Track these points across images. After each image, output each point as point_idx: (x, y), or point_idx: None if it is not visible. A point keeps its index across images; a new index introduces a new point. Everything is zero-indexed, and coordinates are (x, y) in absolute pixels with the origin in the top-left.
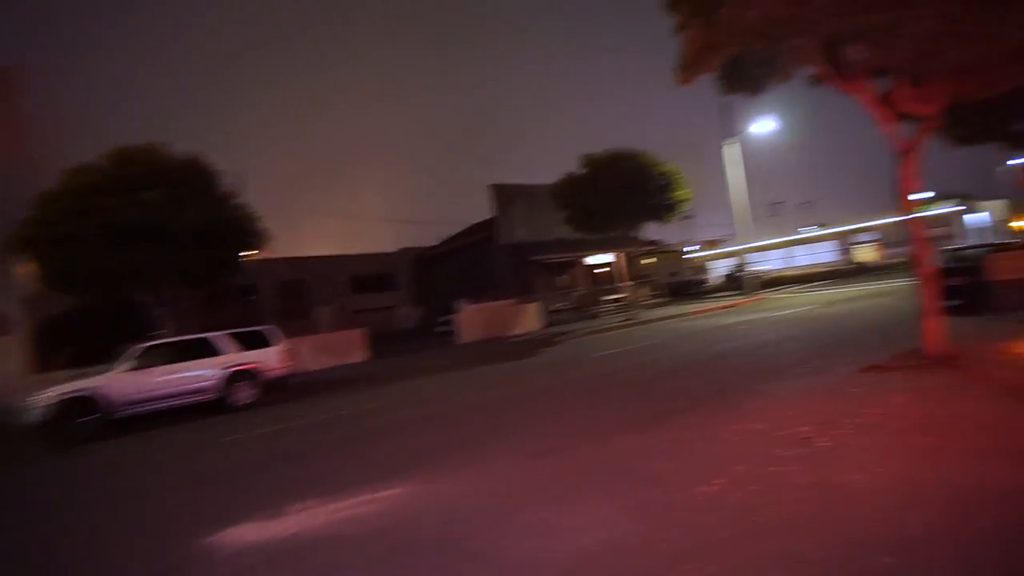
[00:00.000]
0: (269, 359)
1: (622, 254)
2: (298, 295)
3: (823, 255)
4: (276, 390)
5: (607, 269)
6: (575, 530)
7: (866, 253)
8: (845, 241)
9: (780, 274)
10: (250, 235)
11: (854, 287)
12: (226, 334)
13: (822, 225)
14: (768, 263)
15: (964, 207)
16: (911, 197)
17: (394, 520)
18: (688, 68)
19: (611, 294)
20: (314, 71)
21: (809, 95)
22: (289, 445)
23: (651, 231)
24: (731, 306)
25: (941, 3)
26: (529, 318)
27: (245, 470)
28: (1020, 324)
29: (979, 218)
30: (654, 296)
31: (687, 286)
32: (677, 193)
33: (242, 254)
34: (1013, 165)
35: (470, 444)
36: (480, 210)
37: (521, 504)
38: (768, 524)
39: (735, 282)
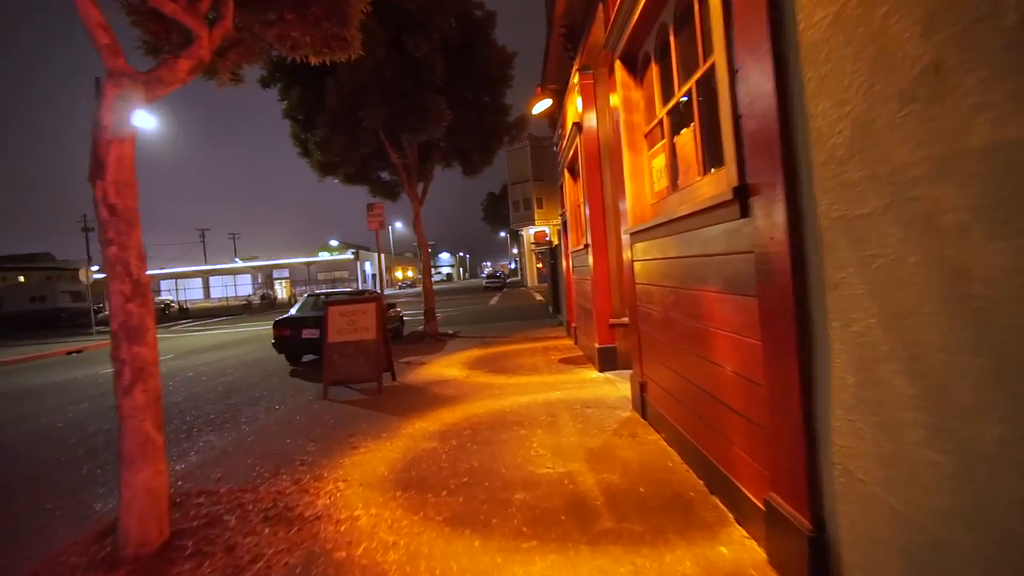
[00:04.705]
0: None
1: None
2: None
3: (242, 288)
4: None
5: None
6: None
7: (285, 289)
8: (263, 275)
9: (195, 306)
10: None
11: (247, 327)
12: None
13: (248, 258)
14: (186, 293)
15: (355, 255)
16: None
17: None
18: None
19: None
20: None
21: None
22: None
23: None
24: (83, 350)
25: None
26: None
27: None
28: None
29: (369, 267)
30: None
31: (46, 317)
32: None
33: None
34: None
35: None
36: None
37: None
38: None
39: None
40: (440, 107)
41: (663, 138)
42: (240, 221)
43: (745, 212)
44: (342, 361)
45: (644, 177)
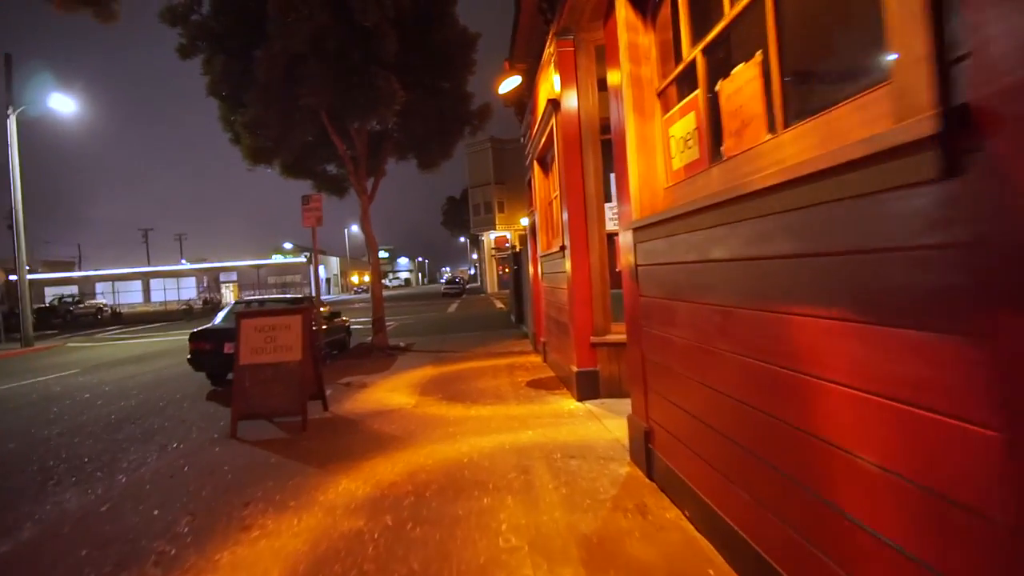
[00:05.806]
0: None
1: None
2: None
3: (186, 292)
4: None
5: None
6: None
7: (232, 293)
8: (210, 278)
9: (132, 310)
10: None
11: (180, 335)
12: None
13: (195, 260)
14: (125, 296)
15: (307, 259)
16: None
17: None
18: None
19: None
20: None
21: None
22: None
23: None
24: None
25: None
26: None
27: None
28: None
29: (323, 271)
30: None
31: None
32: None
33: None
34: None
35: None
36: None
37: None
38: None
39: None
40: (392, 86)
41: (696, 89)
42: (189, 223)
43: (954, 166)
44: (256, 389)
45: (656, 151)
